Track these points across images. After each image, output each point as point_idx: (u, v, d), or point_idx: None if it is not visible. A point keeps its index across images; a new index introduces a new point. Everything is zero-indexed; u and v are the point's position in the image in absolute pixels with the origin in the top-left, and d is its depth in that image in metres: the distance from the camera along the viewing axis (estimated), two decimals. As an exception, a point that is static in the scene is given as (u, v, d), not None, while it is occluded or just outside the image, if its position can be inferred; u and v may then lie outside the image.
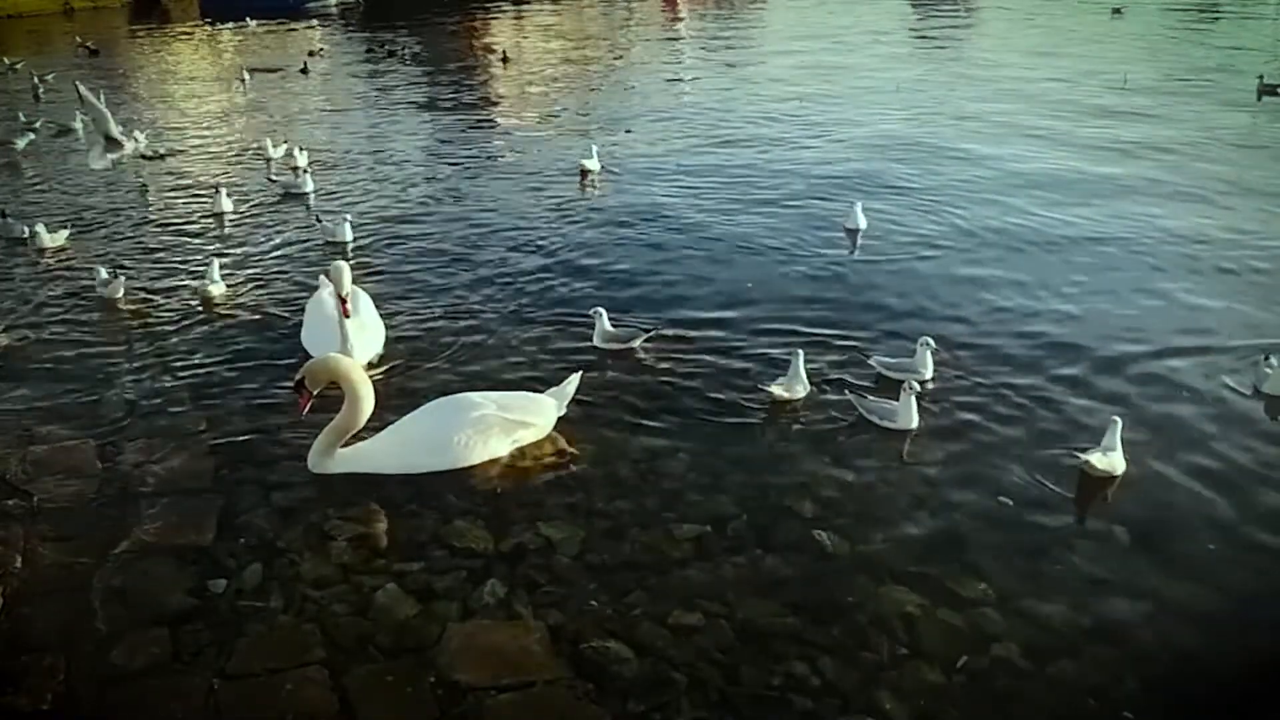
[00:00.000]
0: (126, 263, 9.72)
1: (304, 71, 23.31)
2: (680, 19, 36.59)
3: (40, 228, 10.26)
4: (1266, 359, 6.63)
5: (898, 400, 6.12)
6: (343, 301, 6.86)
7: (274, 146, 14.13)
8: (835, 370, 6.99)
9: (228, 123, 17.73)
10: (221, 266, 9.00)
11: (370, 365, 7.07)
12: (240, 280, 9.17)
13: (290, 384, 6.02)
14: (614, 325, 7.43)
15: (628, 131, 15.50)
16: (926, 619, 4.52)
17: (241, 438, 6.23)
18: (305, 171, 12.68)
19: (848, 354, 7.27)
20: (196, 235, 10.74)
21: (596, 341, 7.41)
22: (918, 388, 6.22)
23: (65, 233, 10.41)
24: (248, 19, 34.69)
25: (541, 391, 6.30)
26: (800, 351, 6.59)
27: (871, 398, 6.32)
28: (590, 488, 5.65)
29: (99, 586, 4.79)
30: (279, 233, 10.74)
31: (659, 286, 8.86)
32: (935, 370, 6.77)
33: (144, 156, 14.54)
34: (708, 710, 4.07)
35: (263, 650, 4.39)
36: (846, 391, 6.47)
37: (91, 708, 4.13)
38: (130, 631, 4.50)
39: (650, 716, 4.05)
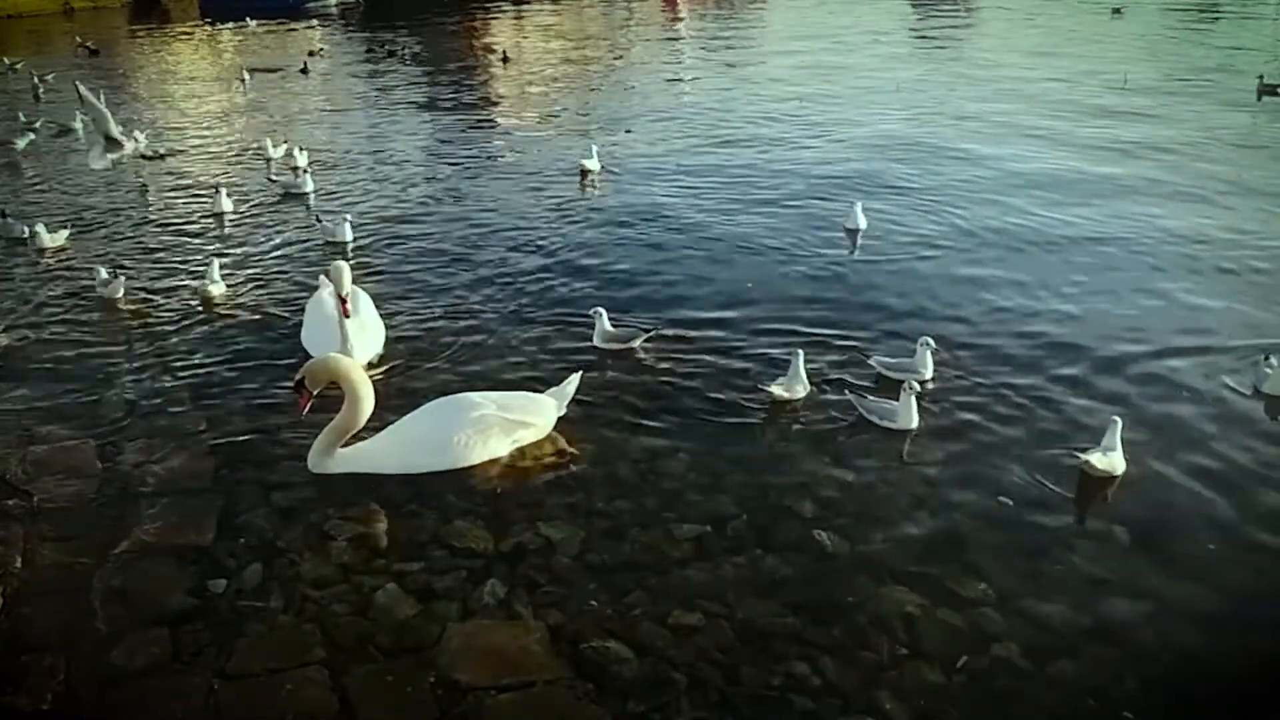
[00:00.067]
0: (126, 263, 9.72)
1: (304, 71, 23.31)
2: (680, 19, 36.60)
3: (40, 228, 10.26)
4: (1266, 359, 6.63)
5: (898, 400, 6.12)
6: (343, 302, 6.86)
7: (274, 146, 14.13)
8: (835, 370, 6.99)
9: (228, 123, 17.73)
10: (221, 266, 9.00)
11: (370, 365, 7.07)
12: (240, 280, 9.17)
13: (290, 384, 6.02)
14: (614, 325, 7.43)
15: (628, 131, 15.49)
16: (926, 619, 4.52)
17: (241, 438, 6.23)
18: (305, 171, 12.68)
19: (848, 354, 7.27)
20: (196, 235, 10.75)
21: (596, 341, 7.41)
22: (918, 388, 6.22)
23: (64, 233, 10.41)
24: (247, 19, 34.70)
25: (541, 391, 6.31)
26: (800, 351, 6.59)
27: (871, 398, 6.32)
28: (590, 488, 5.65)
29: (99, 586, 4.79)
30: (279, 233, 10.74)
31: (659, 286, 8.86)
32: (935, 370, 6.77)
33: (144, 156, 14.54)
34: (708, 710, 4.07)
35: (263, 650, 4.39)
36: (847, 392, 6.47)
37: (91, 708, 4.13)
38: (130, 631, 4.50)
39: (650, 716, 4.05)
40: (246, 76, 22.11)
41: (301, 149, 13.72)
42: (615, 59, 25.81)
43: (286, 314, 8.28)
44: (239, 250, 10.14)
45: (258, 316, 8.33)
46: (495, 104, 19.78)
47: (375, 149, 15.05)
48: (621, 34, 32.38)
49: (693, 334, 7.70)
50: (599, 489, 5.63)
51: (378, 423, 6.03)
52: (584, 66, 24.09)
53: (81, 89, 12.98)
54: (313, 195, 12.09)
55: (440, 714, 4.06)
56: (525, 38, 31.63)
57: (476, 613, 4.63)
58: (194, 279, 9.06)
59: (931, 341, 6.76)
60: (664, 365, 7.19)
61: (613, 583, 4.81)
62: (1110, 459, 5.53)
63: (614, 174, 12.96)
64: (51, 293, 8.98)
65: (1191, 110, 16.26)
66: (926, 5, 36.04)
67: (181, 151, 15.07)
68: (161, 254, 10.10)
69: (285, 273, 9.44)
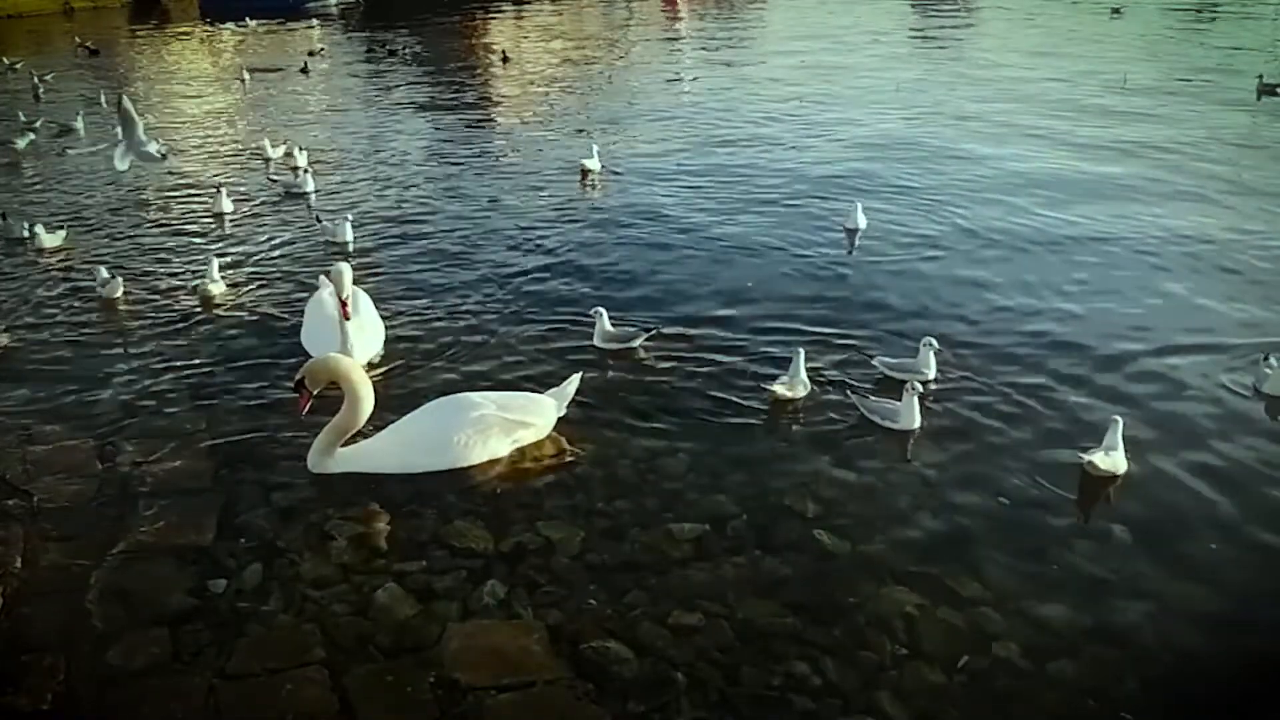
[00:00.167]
0: (126, 263, 9.72)
1: (304, 71, 23.32)
2: (680, 19, 36.61)
3: (39, 228, 10.26)
4: (1266, 359, 6.63)
5: (900, 400, 6.12)
6: (343, 304, 6.86)
7: (273, 146, 14.14)
8: (836, 370, 6.99)
9: (228, 123, 17.74)
10: (221, 266, 9.01)
11: (370, 365, 7.07)
12: (240, 280, 9.17)
13: (290, 384, 6.02)
14: (614, 325, 7.43)
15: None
16: (927, 619, 4.52)
17: (241, 438, 6.22)
18: (306, 171, 12.68)
19: (849, 354, 7.27)
20: (196, 235, 10.75)
21: (597, 341, 7.41)
22: (920, 388, 6.22)
23: (62, 233, 10.41)
24: (247, 19, 34.69)
25: (541, 391, 6.30)
26: (801, 350, 6.59)
27: (873, 398, 6.32)
28: (590, 488, 5.65)
29: (99, 586, 4.79)
30: (279, 233, 10.74)
31: (659, 286, 8.86)
32: (937, 370, 6.77)
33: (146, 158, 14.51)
34: (708, 710, 4.07)
35: (263, 650, 4.39)
36: (848, 392, 6.47)
37: (91, 708, 4.13)
38: (130, 631, 4.50)
39: (650, 716, 4.05)
40: (246, 76, 22.12)
41: (301, 149, 13.72)
42: (615, 59, 25.81)
43: (286, 314, 8.28)
44: (239, 250, 10.14)
45: (258, 316, 8.33)
46: (495, 104, 19.79)
47: (375, 149, 15.05)
48: (621, 34, 32.37)
49: (693, 334, 7.70)
50: (599, 489, 5.63)
51: (378, 423, 6.04)
52: (584, 66, 24.09)
53: (126, 103, 12.79)
54: (313, 195, 12.09)
55: (440, 714, 4.06)
56: (525, 38, 31.63)
57: (476, 613, 4.63)
58: (194, 279, 9.05)
59: (934, 342, 6.75)
60: (664, 365, 7.19)
61: (613, 583, 4.81)
62: (1112, 459, 5.53)
63: (614, 174, 12.96)
64: (51, 293, 8.98)
65: (1191, 110, 16.26)
66: (926, 5, 36.06)
67: (182, 151, 15.06)
68: (162, 254, 10.10)
69: (285, 273, 9.44)
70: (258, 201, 12.01)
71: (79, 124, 16.52)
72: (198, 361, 7.41)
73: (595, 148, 13.13)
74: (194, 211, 11.64)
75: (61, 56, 27.22)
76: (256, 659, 4.33)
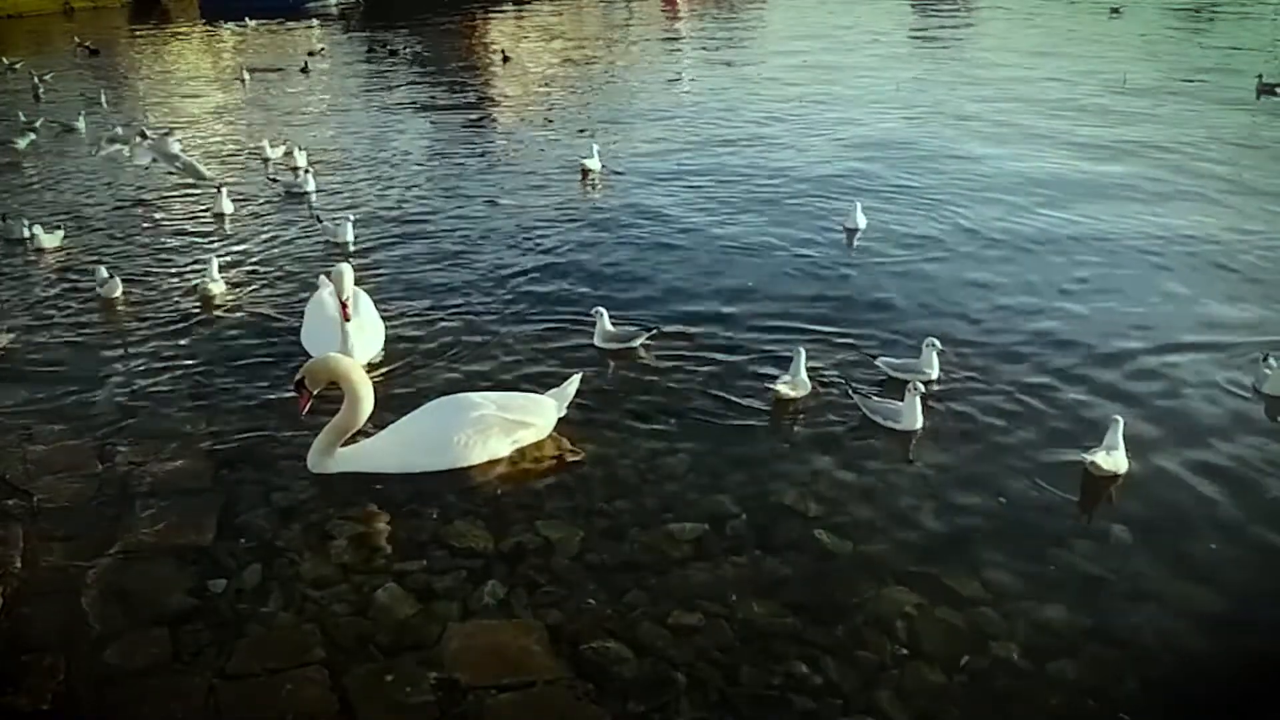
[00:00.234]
0: (127, 263, 9.71)
1: (304, 71, 23.32)
2: (680, 19, 36.61)
3: (38, 228, 10.25)
4: (1265, 359, 6.63)
5: (902, 400, 6.11)
6: (343, 305, 6.86)
7: (272, 147, 14.13)
8: (838, 370, 6.99)
9: (228, 123, 17.74)
10: (222, 266, 9.00)
11: (370, 365, 7.07)
12: (240, 280, 9.17)
13: (290, 384, 6.01)
14: (614, 325, 7.43)
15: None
16: (927, 619, 4.52)
17: (241, 438, 6.22)
18: (306, 171, 12.68)
19: (849, 353, 7.28)
20: (197, 235, 10.74)
21: (597, 341, 7.41)
22: (922, 388, 6.21)
23: (60, 232, 10.40)
24: (247, 19, 34.68)
25: (541, 392, 6.30)
26: (802, 350, 6.59)
27: (875, 398, 6.32)
28: (590, 488, 5.65)
29: (99, 586, 4.79)
30: (280, 233, 10.74)
31: (659, 286, 8.86)
32: (939, 370, 6.76)
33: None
34: (708, 710, 4.07)
35: (263, 650, 4.39)
36: (850, 392, 6.47)
37: (91, 708, 4.13)
38: (130, 631, 4.50)
39: (650, 716, 4.05)
40: (246, 76, 22.12)
41: (301, 149, 13.71)
42: (615, 59, 25.82)
43: (286, 314, 8.27)
44: (239, 250, 10.14)
45: (258, 316, 8.33)
46: (495, 104, 19.78)
47: (376, 149, 15.04)
48: (621, 34, 32.39)
49: (694, 333, 7.70)
50: (599, 489, 5.62)
51: (378, 423, 6.04)
52: (584, 66, 24.09)
53: (175, 149, 12.66)
54: (313, 195, 12.09)
55: (440, 714, 4.06)
56: (525, 38, 31.63)
57: (476, 613, 4.63)
58: (194, 279, 9.05)
59: (937, 342, 6.75)
60: (665, 365, 7.19)
61: (613, 583, 4.81)
62: (1113, 459, 5.53)
63: (615, 174, 12.96)
64: (51, 293, 8.98)
65: (1190, 110, 16.27)
66: (926, 5, 36.07)
67: (182, 151, 15.03)
68: (161, 254, 10.10)
69: (285, 273, 9.44)
70: (258, 201, 12.01)
71: (80, 124, 16.52)
72: (198, 361, 7.41)
73: (595, 147, 13.12)
74: (194, 211, 11.63)
75: (61, 56, 27.21)
76: (256, 659, 4.33)
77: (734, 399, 6.63)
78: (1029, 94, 18.12)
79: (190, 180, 12.45)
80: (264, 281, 9.20)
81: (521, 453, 6.00)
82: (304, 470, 5.78)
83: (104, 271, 8.78)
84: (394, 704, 4.10)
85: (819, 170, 12.88)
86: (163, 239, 10.64)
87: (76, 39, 28.63)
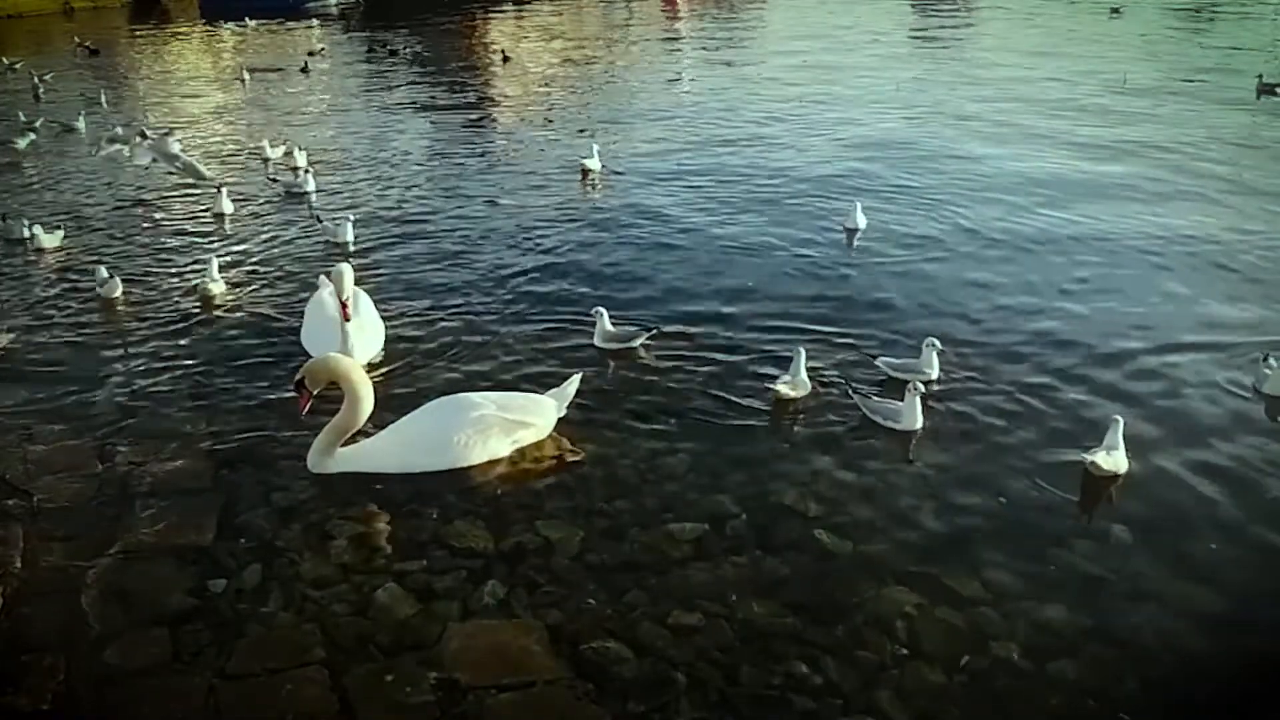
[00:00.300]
0: (127, 262, 9.71)
1: (304, 71, 23.32)
2: (680, 19, 36.61)
3: (37, 228, 10.25)
4: (1265, 359, 6.63)
5: (902, 400, 6.11)
6: (343, 305, 6.86)
7: (271, 147, 14.13)
8: (838, 370, 6.99)
9: (228, 123, 17.73)
10: (222, 266, 9.00)
11: (370, 365, 7.07)
12: (240, 280, 9.17)
13: (290, 384, 6.01)
14: (614, 325, 7.43)
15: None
16: (927, 619, 4.52)
17: (241, 438, 6.22)
18: (306, 171, 12.68)
19: (849, 353, 7.28)
20: (197, 235, 10.74)
21: (597, 341, 7.41)
22: (922, 388, 6.21)
23: (60, 232, 10.40)
24: (247, 19, 34.68)
25: (541, 392, 6.30)
26: (802, 349, 6.59)
27: (875, 398, 6.31)
28: (590, 488, 5.64)
29: (99, 586, 4.79)
30: (280, 233, 10.74)
31: (660, 286, 8.86)
32: (939, 370, 6.76)
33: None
34: (708, 710, 4.07)
35: (263, 650, 4.39)
36: (850, 392, 6.46)
37: (91, 708, 4.13)
38: (130, 631, 4.50)
39: (650, 716, 4.05)
40: (246, 76, 22.12)
41: (300, 149, 13.71)
42: (615, 59, 25.82)
43: (286, 314, 8.27)
44: (239, 250, 10.14)
45: (258, 316, 8.33)
46: (495, 104, 19.78)
47: (376, 149, 15.05)
48: (621, 34, 32.39)
49: (694, 333, 7.70)
50: (599, 489, 5.62)
51: (378, 423, 6.04)
52: (584, 66, 24.09)
53: (176, 149, 12.73)
54: (314, 195, 12.09)
55: (440, 714, 4.06)
56: (525, 38, 31.63)
57: (476, 613, 4.63)
58: (194, 279, 9.05)
59: (937, 342, 6.75)
60: (665, 365, 7.19)
61: (613, 583, 4.81)
62: (1113, 459, 5.53)
63: (615, 173, 12.96)
64: (51, 293, 8.98)
65: (1191, 110, 16.27)
66: (926, 5, 36.07)
67: (182, 151, 15.03)
68: (161, 254, 10.10)
69: (286, 273, 9.44)
70: (258, 201, 12.01)
71: (80, 124, 16.52)
72: (198, 361, 7.40)
73: (596, 147, 13.12)
74: (194, 211, 11.63)
75: (61, 56, 27.22)
76: (256, 659, 4.33)
77: (734, 399, 6.63)
78: (1029, 94, 18.12)
79: (190, 180, 12.46)
80: (264, 281, 9.20)
81: (521, 453, 6.00)
82: (304, 470, 5.78)
83: (104, 271, 8.78)
84: (394, 704, 4.10)
85: (819, 170, 12.88)
86: (163, 239, 10.64)
87: (76, 39, 28.63)
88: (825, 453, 5.98)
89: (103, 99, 19.21)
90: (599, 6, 42.02)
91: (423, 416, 6.00)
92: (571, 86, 21.19)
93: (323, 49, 28.01)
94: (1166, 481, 5.62)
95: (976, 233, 10.13)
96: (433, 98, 19.97)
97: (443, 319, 8.19)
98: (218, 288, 8.71)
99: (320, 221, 10.63)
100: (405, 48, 27.47)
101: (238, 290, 8.91)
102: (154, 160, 12.28)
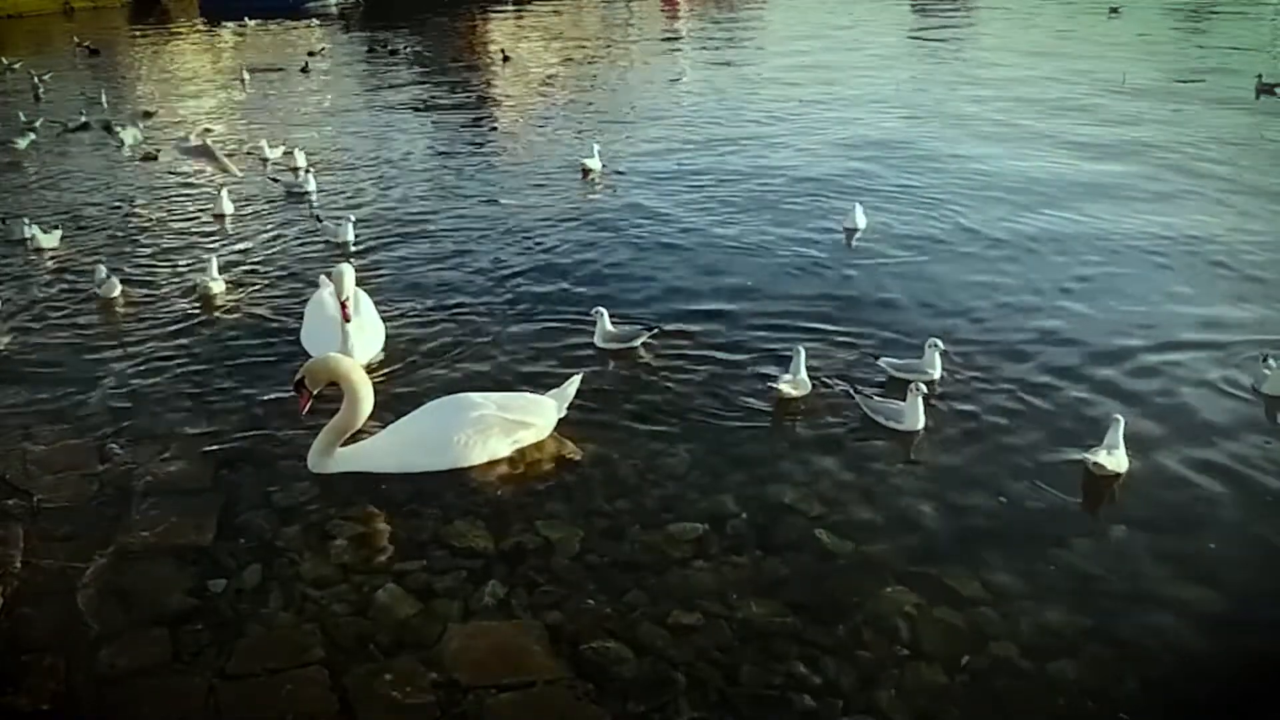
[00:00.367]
0: (127, 262, 9.71)
1: (304, 71, 23.33)
2: (680, 19, 36.61)
3: (36, 228, 10.25)
4: (1265, 360, 6.63)
5: (904, 400, 6.11)
6: (343, 305, 6.86)
7: (270, 147, 14.12)
8: (839, 370, 6.98)
9: (228, 123, 17.73)
10: (222, 267, 9.00)
11: (370, 365, 7.06)
12: (240, 280, 9.17)
13: (290, 384, 6.01)
14: (615, 325, 7.43)
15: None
16: (927, 619, 4.51)
17: (241, 438, 6.22)
18: (307, 171, 12.68)
19: (850, 353, 7.27)
20: (197, 235, 10.74)
21: (598, 341, 7.40)
22: (924, 389, 6.20)
23: (59, 232, 10.41)
24: (246, 19, 34.68)
25: (542, 392, 6.30)
26: (801, 348, 6.59)
27: (877, 398, 6.31)
28: (590, 488, 5.64)
29: (98, 586, 4.79)
30: (280, 233, 10.74)
31: (660, 286, 8.86)
32: (940, 370, 6.76)
33: (146, 157, 14.54)
34: (708, 710, 4.07)
35: (263, 650, 4.39)
36: (852, 392, 6.46)
37: (91, 708, 4.13)
38: (130, 631, 4.49)
39: (650, 716, 4.05)
40: (246, 76, 22.12)
41: (300, 149, 13.71)
42: (615, 59, 25.82)
43: (286, 314, 8.27)
44: (240, 250, 10.14)
45: (258, 316, 8.33)
46: (495, 104, 19.79)
47: (376, 149, 15.05)
48: (621, 34, 32.39)
49: (694, 333, 7.69)
50: (599, 489, 5.62)
51: (378, 423, 6.04)
52: (584, 66, 24.09)
53: (204, 146, 12.96)
54: (314, 195, 12.09)
55: (440, 714, 4.05)
56: (525, 38, 31.63)
57: (477, 613, 4.62)
58: (194, 278, 9.04)
59: (940, 343, 6.74)
60: (665, 365, 7.19)
61: (613, 583, 4.81)
62: (1113, 458, 5.53)
63: (615, 173, 12.96)
64: (51, 293, 8.98)
65: (1190, 110, 16.26)
66: (926, 5, 36.06)
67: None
68: (162, 254, 10.10)
69: (285, 273, 9.44)
70: (258, 202, 12.01)
71: (82, 123, 16.54)
72: (198, 361, 7.40)
73: (596, 147, 13.13)
74: (195, 212, 11.63)
75: (61, 56, 27.23)
76: (256, 659, 4.33)
77: (734, 399, 6.63)
78: (1028, 94, 18.11)
79: (190, 180, 12.48)
80: (264, 281, 9.20)
81: (522, 453, 6.00)
82: (304, 470, 5.78)
83: (103, 271, 8.78)
84: (394, 704, 4.10)
85: (819, 170, 12.87)
86: (162, 239, 10.64)
87: (76, 39, 28.65)
88: (826, 453, 5.97)
89: (103, 99, 19.20)
90: (599, 6, 42.02)
91: (423, 416, 6.00)
92: (571, 86, 21.19)
93: (323, 49, 28.00)
94: (1167, 481, 5.62)
95: (976, 232, 10.13)
96: (433, 98, 19.97)
97: (443, 319, 8.19)
98: (217, 287, 8.71)
99: (320, 221, 10.63)
100: (405, 47, 27.47)
101: (238, 290, 8.91)
102: (189, 159, 12.42)
